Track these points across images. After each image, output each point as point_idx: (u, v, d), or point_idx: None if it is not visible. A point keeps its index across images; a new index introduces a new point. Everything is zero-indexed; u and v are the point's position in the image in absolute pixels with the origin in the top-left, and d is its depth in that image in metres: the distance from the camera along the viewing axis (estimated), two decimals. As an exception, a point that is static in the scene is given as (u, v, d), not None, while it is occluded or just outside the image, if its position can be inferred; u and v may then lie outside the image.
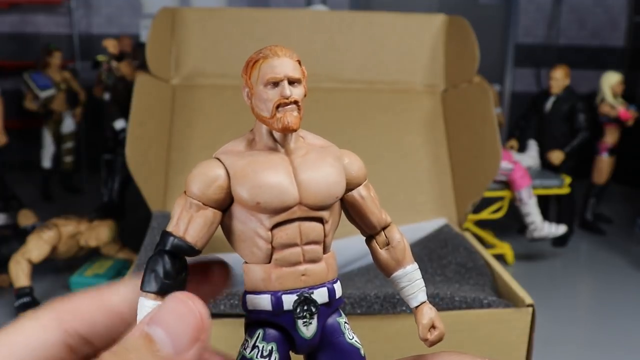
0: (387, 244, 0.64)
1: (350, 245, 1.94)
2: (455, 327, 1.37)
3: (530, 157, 3.70)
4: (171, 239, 0.57)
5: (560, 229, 3.34)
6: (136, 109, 1.92)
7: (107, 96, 3.98)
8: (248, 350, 0.58)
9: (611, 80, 3.84)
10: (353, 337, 0.60)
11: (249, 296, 0.59)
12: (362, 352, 0.60)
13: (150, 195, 1.95)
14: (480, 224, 3.61)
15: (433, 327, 0.62)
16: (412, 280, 0.63)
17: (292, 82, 0.59)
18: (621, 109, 3.78)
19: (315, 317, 0.58)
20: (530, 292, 1.44)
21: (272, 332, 0.58)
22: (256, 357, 0.57)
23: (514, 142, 3.91)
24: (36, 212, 3.03)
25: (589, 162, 4.06)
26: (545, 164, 3.73)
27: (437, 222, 2.06)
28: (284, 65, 0.59)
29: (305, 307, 0.57)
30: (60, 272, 3.04)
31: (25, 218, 2.95)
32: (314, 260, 0.59)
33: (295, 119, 0.58)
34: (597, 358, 2.41)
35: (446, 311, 1.39)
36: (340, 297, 0.61)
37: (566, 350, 2.45)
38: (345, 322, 0.61)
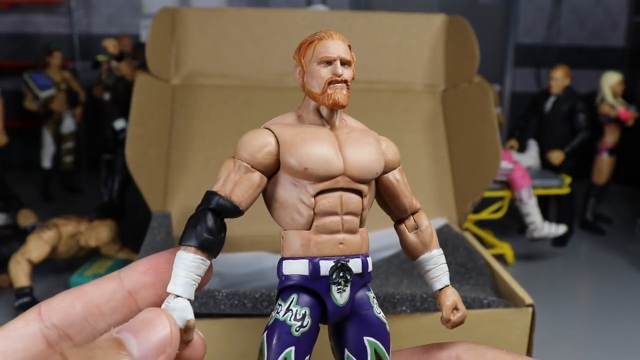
0: (416, 228, 0.67)
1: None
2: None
3: (530, 157, 3.70)
4: (217, 198, 0.59)
5: (560, 229, 3.34)
6: (136, 109, 1.92)
7: (107, 96, 3.98)
8: (281, 313, 0.59)
9: (611, 80, 3.84)
10: (380, 312, 0.62)
11: (285, 262, 0.61)
12: (387, 328, 0.62)
13: (150, 195, 1.95)
14: (480, 224, 3.61)
15: (456, 309, 0.64)
16: (437, 264, 0.67)
17: (343, 63, 0.62)
18: (621, 109, 3.78)
19: (349, 285, 0.60)
20: (530, 292, 1.44)
21: (306, 297, 0.60)
22: (289, 320, 0.59)
23: (514, 142, 3.91)
24: (36, 212, 3.03)
25: (589, 162, 4.06)
26: (545, 164, 3.73)
27: (437, 222, 2.06)
28: (338, 46, 0.62)
29: (341, 274, 0.59)
30: (60, 272, 3.04)
31: (25, 218, 2.95)
32: (351, 231, 0.61)
33: (344, 96, 0.62)
34: (597, 358, 2.41)
35: (446, 311, 1.39)
36: (370, 272, 0.63)
37: (566, 350, 2.45)
38: (374, 297, 0.63)
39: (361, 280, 0.62)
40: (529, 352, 1.37)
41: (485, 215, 3.41)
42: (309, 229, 0.60)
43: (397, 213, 0.68)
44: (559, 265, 3.47)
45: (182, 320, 0.54)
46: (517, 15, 5.64)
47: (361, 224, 0.63)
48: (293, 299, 0.60)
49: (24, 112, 4.62)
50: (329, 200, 0.60)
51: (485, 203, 3.34)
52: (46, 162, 4.47)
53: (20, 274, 2.56)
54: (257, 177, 0.61)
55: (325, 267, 0.59)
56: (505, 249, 3.44)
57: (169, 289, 0.56)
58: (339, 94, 0.62)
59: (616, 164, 4.02)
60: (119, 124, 3.70)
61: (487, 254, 1.76)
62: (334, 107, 0.62)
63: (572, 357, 2.41)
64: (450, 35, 2.28)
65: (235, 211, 0.60)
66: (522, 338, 1.37)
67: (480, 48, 2.14)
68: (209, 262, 0.58)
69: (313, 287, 0.60)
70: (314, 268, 0.59)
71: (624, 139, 4.01)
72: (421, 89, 2.30)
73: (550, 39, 5.72)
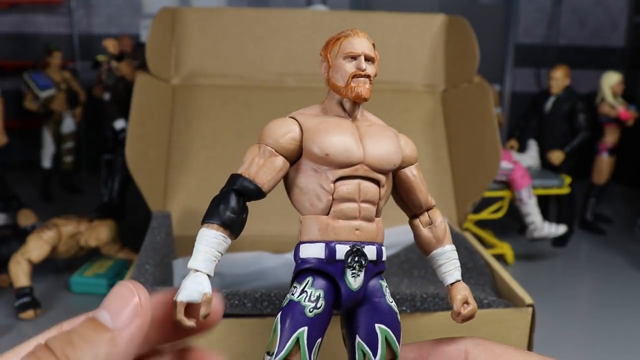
0: (430, 223, 0.70)
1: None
2: (456, 326, 1.37)
3: (530, 157, 3.70)
4: (241, 179, 0.62)
5: (560, 229, 3.33)
6: (136, 109, 1.92)
7: (107, 96, 3.98)
8: (296, 294, 0.61)
9: (611, 80, 3.84)
10: (392, 302, 0.64)
11: (303, 245, 0.63)
12: (399, 317, 0.65)
13: (150, 195, 1.95)
14: (480, 224, 3.61)
15: (467, 302, 0.66)
16: (449, 259, 0.69)
17: (367, 59, 0.66)
18: (621, 109, 3.78)
19: (363, 270, 0.62)
20: (530, 292, 1.44)
21: (321, 280, 0.61)
22: (304, 301, 0.60)
23: (514, 142, 3.91)
24: (36, 212, 3.03)
25: (589, 162, 4.06)
26: (545, 164, 3.73)
27: (437, 222, 2.05)
28: (363, 43, 0.67)
29: (356, 258, 0.61)
30: (60, 272, 3.04)
31: (25, 218, 2.95)
32: (367, 219, 0.63)
33: (367, 89, 0.66)
34: (597, 358, 2.40)
35: (446, 311, 1.39)
36: (384, 262, 0.65)
37: (566, 350, 2.45)
38: (387, 287, 0.65)
39: (375, 268, 0.64)
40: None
41: (485, 215, 3.41)
42: (327, 214, 0.62)
43: (413, 208, 0.71)
44: (559, 265, 3.47)
45: (199, 294, 0.54)
46: (517, 15, 5.64)
47: (377, 214, 0.65)
48: (308, 281, 0.61)
49: (24, 112, 4.62)
50: (347, 187, 0.62)
51: (485, 203, 3.34)
52: (46, 162, 4.47)
53: (20, 274, 2.56)
54: (280, 161, 0.63)
55: (342, 251, 0.61)
56: (505, 249, 3.44)
57: (190, 264, 0.58)
58: (362, 87, 0.65)
59: (616, 164, 4.02)
60: (119, 124, 3.70)
61: (487, 254, 1.76)
62: (357, 100, 0.66)
63: (572, 357, 2.41)
64: (450, 35, 2.28)
65: (259, 192, 0.62)
66: (522, 338, 1.37)
67: (480, 48, 2.14)
68: (229, 241, 0.60)
69: (328, 270, 0.61)
70: (330, 251, 0.61)
71: (624, 139, 4.01)
72: (421, 89, 2.30)
73: (550, 39, 5.71)
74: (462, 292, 0.67)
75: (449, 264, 0.69)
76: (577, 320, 2.79)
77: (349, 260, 0.61)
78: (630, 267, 3.43)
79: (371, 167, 0.64)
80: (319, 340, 0.60)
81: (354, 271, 0.61)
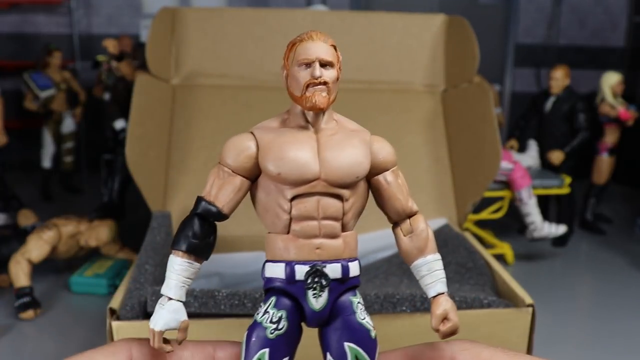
0: (411, 232, 0.66)
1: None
2: (455, 327, 1.37)
3: (530, 157, 3.70)
4: (203, 203, 0.62)
5: (560, 229, 3.33)
6: (136, 109, 1.92)
7: (107, 96, 3.97)
8: (260, 315, 0.61)
9: (611, 80, 3.84)
10: (365, 318, 0.62)
11: (267, 264, 0.62)
12: (372, 334, 0.61)
13: (150, 195, 1.95)
14: (480, 224, 3.61)
15: (447, 318, 0.62)
16: (431, 270, 0.65)
17: (324, 64, 0.62)
18: (621, 109, 3.78)
19: (326, 290, 0.60)
20: (530, 292, 1.44)
21: (284, 300, 0.61)
22: (265, 322, 0.60)
23: (514, 142, 3.91)
24: (36, 212, 3.03)
25: (589, 162, 4.06)
26: (545, 164, 3.73)
27: (437, 222, 2.05)
28: (317, 48, 0.62)
29: (316, 279, 0.59)
30: (60, 272, 3.04)
31: (25, 218, 2.94)
32: (330, 236, 0.61)
33: (323, 98, 0.61)
34: (597, 358, 2.40)
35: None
36: (356, 277, 0.62)
37: (566, 350, 2.45)
38: (359, 303, 0.62)
39: (342, 286, 0.61)
40: (529, 352, 1.37)
41: (485, 215, 3.41)
42: (287, 232, 0.61)
43: (391, 216, 0.67)
44: (559, 265, 3.47)
45: (176, 322, 0.59)
46: (517, 15, 5.64)
47: (345, 228, 0.62)
48: (272, 301, 0.61)
49: (24, 112, 4.62)
50: (305, 205, 0.60)
51: (485, 203, 3.34)
52: (46, 162, 4.47)
53: (20, 274, 2.56)
54: (238, 181, 0.62)
55: (301, 271, 0.60)
56: (505, 249, 3.44)
57: (163, 290, 0.60)
58: (318, 96, 0.61)
59: (616, 164, 4.02)
60: (119, 124, 3.69)
61: (487, 254, 1.76)
62: (313, 110, 0.62)
63: (572, 357, 2.41)
64: (450, 35, 2.28)
65: (219, 214, 0.62)
66: (522, 338, 1.37)
67: (480, 48, 2.14)
68: (198, 265, 0.61)
69: (290, 290, 0.60)
70: (290, 272, 0.60)
71: (624, 139, 4.01)
72: (421, 89, 2.30)
73: (550, 39, 5.71)
74: (442, 306, 0.63)
75: (430, 276, 0.65)
76: (577, 320, 2.79)
77: (309, 281, 0.59)
78: (630, 267, 3.43)
79: (330, 183, 0.60)
80: (287, 359, 0.60)
81: (314, 292, 0.60)
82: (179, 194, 2.02)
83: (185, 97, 2.17)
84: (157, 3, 4.04)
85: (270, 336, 0.59)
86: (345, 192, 0.61)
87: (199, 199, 0.63)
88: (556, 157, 3.66)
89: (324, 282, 0.60)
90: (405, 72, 2.30)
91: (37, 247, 2.63)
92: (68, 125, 4.49)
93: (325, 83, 0.61)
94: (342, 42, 2.25)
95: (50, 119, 4.40)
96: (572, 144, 3.67)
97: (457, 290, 1.53)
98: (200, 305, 1.34)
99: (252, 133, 0.63)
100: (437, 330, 0.62)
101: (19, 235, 2.84)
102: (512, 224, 3.96)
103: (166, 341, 0.59)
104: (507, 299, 1.46)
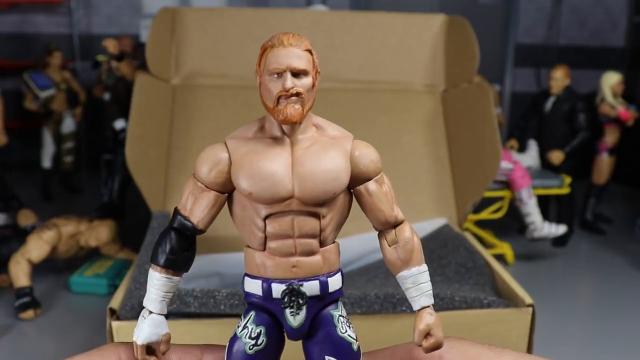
0: (396, 242, 0.61)
1: (350, 245, 1.94)
2: (455, 327, 1.37)
3: (530, 157, 3.70)
4: (179, 217, 0.60)
5: (560, 229, 3.33)
6: (136, 109, 1.92)
7: (107, 96, 3.97)
8: (239, 329, 0.60)
9: (611, 80, 3.84)
10: (346, 331, 0.59)
11: (246, 278, 0.62)
12: (354, 347, 0.59)
13: (150, 195, 1.95)
14: (480, 224, 3.61)
15: (430, 334, 0.59)
16: (415, 283, 0.61)
17: (296, 73, 0.57)
18: (621, 109, 3.78)
19: (304, 308, 0.58)
20: (530, 292, 1.44)
21: (263, 316, 0.59)
22: (244, 338, 0.59)
23: (514, 142, 3.91)
24: (36, 212, 3.03)
25: (589, 162, 4.06)
26: (545, 164, 3.73)
27: (437, 222, 2.06)
28: (289, 55, 0.57)
29: (293, 298, 0.58)
30: (60, 272, 3.04)
31: (25, 218, 2.94)
32: (307, 253, 0.58)
33: (295, 111, 0.57)
34: (597, 358, 2.40)
35: (446, 311, 1.39)
36: (337, 291, 0.60)
37: (566, 350, 2.45)
38: (341, 316, 0.60)
39: (319, 303, 0.59)
40: (529, 352, 1.37)
41: (485, 215, 3.41)
42: (264, 249, 0.59)
43: (375, 225, 0.63)
44: (559, 265, 3.47)
45: (157, 336, 0.59)
46: (517, 15, 5.64)
47: (323, 244, 0.59)
48: (251, 316, 0.60)
49: (24, 112, 4.62)
50: (279, 224, 0.58)
51: (485, 203, 3.34)
52: (46, 162, 4.47)
53: (20, 274, 2.56)
54: (212, 196, 0.60)
55: (277, 290, 0.58)
56: (505, 249, 3.44)
57: (145, 302, 0.60)
58: (290, 109, 0.57)
59: (616, 164, 4.02)
60: (119, 124, 3.69)
61: (487, 254, 1.76)
62: (285, 124, 0.58)
63: (572, 357, 2.41)
64: (450, 35, 2.28)
65: (195, 230, 0.60)
66: (522, 338, 1.37)
67: (480, 48, 2.14)
68: (178, 278, 0.61)
69: (268, 307, 0.59)
70: (267, 289, 0.58)
71: (624, 139, 4.01)
72: (421, 89, 2.30)
73: (550, 39, 5.71)
74: (425, 321, 0.59)
75: (414, 289, 0.61)
76: (577, 320, 2.79)
77: (285, 300, 0.58)
78: (630, 267, 3.43)
79: (304, 202, 0.57)
80: None
81: (292, 310, 0.58)
82: (179, 194, 2.02)
83: (185, 97, 2.17)
84: (157, 3, 4.04)
85: (249, 352, 0.58)
86: (322, 210, 0.58)
87: (175, 212, 0.61)
88: (556, 157, 3.66)
89: (300, 301, 0.58)
90: (405, 72, 2.30)
91: (37, 247, 2.63)
92: (68, 125, 4.49)
93: (298, 94, 0.57)
94: (342, 42, 2.26)
95: (50, 119, 4.40)
96: (572, 144, 3.67)
97: (457, 290, 1.53)
98: (200, 305, 1.34)
99: (225, 144, 0.60)
100: (419, 346, 0.60)
101: (19, 235, 2.84)
102: (512, 224, 3.96)
103: (151, 351, 0.60)
104: (507, 299, 1.46)
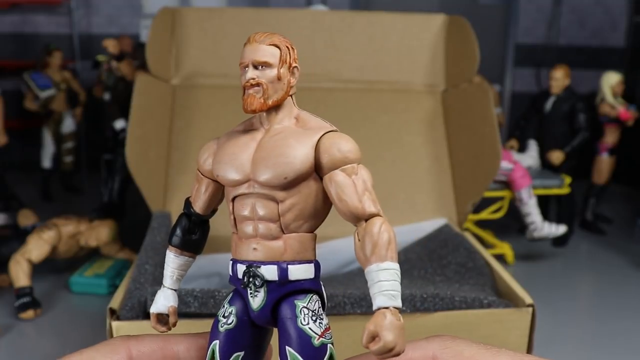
0: (363, 236, 0.58)
1: (350, 245, 1.94)
2: (455, 327, 1.37)
3: (530, 157, 3.70)
4: (188, 204, 0.68)
5: (560, 229, 3.33)
6: (136, 109, 1.92)
7: (107, 96, 3.97)
8: (221, 308, 0.64)
9: (611, 80, 3.84)
10: (308, 324, 0.58)
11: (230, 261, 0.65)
12: (315, 342, 0.57)
13: (150, 195, 1.95)
14: (480, 224, 3.61)
15: (378, 337, 0.53)
16: (372, 281, 0.56)
17: (258, 65, 0.63)
18: (621, 109, 3.78)
19: (262, 290, 0.60)
20: (530, 292, 1.44)
21: (237, 297, 0.63)
22: (219, 315, 0.63)
23: (514, 142, 3.91)
24: (36, 212, 3.03)
25: (589, 162, 4.06)
26: (545, 164, 3.73)
27: (437, 222, 2.06)
28: (252, 50, 0.64)
29: (250, 279, 0.60)
30: (60, 272, 3.04)
31: (25, 218, 2.94)
32: (268, 237, 0.61)
33: (256, 100, 0.62)
34: (597, 358, 2.41)
35: (446, 311, 1.39)
36: (304, 281, 0.60)
37: (566, 350, 2.45)
38: (306, 308, 0.59)
39: (282, 288, 0.59)
40: (529, 352, 1.37)
41: (485, 215, 3.41)
42: (236, 232, 0.63)
43: (344, 218, 0.60)
44: (559, 265, 3.47)
45: (165, 307, 0.66)
46: (517, 15, 5.64)
47: (286, 230, 0.60)
48: (229, 296, 0.64)
49: (24, 112, 4.62)
50: (242, 205, 0.62)
51: (485, 203, 3.34)
52: (46, 162, 4.47)
53: (20, 274, 2.56)
54: (205, 184, 0.67)
55: (240, 270, 0.62)
56: (505, 249, 3.44)
57: (163, 280, 0.68)
58: (250, 98, 0.63)
59: (616, 164, 4.02)
60: (119, 124, 3.70)
61: (487, 254, 1.76)
62: (247, 113, 0.64)
63: (572, 357, 2.41)
64: (450, 35, 2.28)
65: (199, 216, 0.67)
66: (522, 338, 1.37)
67: (480, 48, 2.14)
68: (185, 257, 0.68)
69: (238, 287, 0.63)
70: (233, 269, 0.63)
71: (624, 139, 4.01)
72: (421, 89, 2.30)
73: (550, 39, 5.71)
74: (374, 322, 0.53)
75: (374, 286, 0.56)
76: (577, 320, 2.79)
77: (245, 280, 0.60)
78: (630, 267, 3.43)
79: (259, 184, 0.60)
80: (238, 354, 0.60)
81: (250, 291, 0.61)
82: (179, 194, 2.02)
83: (185, 97, 2.17)
84: (157, 3, 4.05)
85: (220, 329, 0.61)
86: (279, 194, 0.60)
87: (186, 200, 0.68)
88: (556, 157, 3.66)
89: (257, 283, 0.60)
90: (405, 72, 2.30)
91: (37, 247, 2.63)
92: (68, 125, 4.49)
93: (258, 84, 0.62)
94: (342, 42, 2.26)
95: (50, 119, 4.40)
96: (572, 144, 3.67)
97: (457, 290, 1.53)
98: (200, 305, 1.34)
99: (218, 138, 0.67)
100: (366, 347, 0.54)
101: (19, 235, 2.84)
102: (512, 224, 3.96)
103: (164, 322, 0.67)
104: (507, 299, 1.46)
